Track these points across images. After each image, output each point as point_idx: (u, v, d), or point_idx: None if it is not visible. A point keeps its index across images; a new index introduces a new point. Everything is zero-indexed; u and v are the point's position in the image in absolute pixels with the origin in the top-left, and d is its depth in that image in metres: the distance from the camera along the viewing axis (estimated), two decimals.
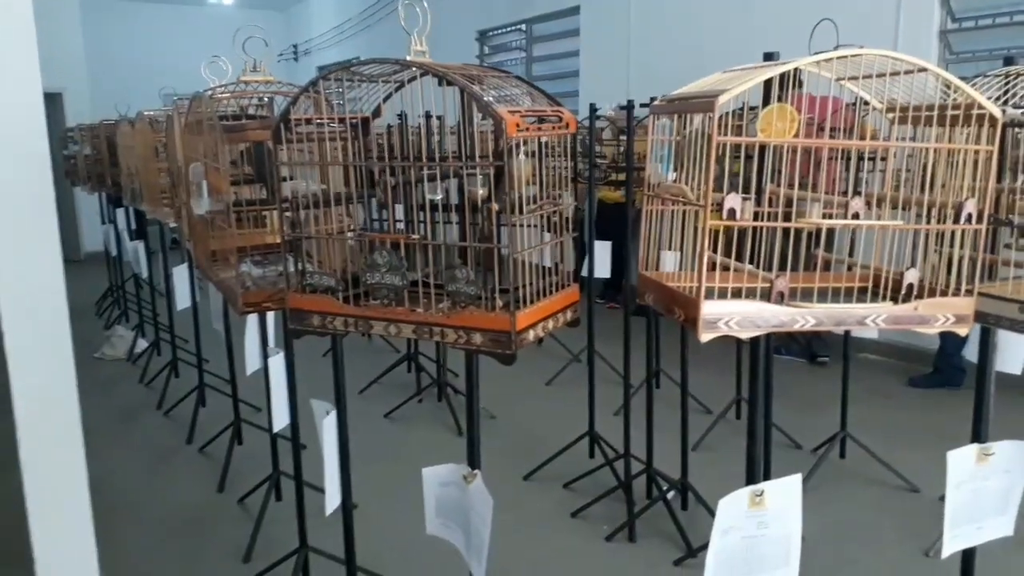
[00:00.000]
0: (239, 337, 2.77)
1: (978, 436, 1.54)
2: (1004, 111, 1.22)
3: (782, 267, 1.15)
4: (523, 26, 7.93)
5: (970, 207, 1.08)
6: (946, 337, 3.66)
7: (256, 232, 1.81)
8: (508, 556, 2.72)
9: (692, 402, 3.79)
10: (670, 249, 1.27)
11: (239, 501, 3.13)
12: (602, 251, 3.73)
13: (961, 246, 1.11)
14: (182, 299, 4.01)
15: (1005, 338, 2.87)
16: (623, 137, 4.16)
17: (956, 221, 1.09)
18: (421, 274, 1.20)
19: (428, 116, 2.61)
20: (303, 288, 1.27)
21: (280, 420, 2.37)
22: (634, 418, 3.02)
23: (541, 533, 2.88)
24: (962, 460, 1.49)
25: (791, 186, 1.27)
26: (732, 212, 1.05)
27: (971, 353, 3.13)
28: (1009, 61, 1.42)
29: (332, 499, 1.78)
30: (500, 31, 8.26)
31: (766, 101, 1.21)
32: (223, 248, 1.78)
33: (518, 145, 1.18)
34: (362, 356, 5.01)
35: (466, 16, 8.26)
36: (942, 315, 1.12)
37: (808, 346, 4.78)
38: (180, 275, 4.00)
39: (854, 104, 1.33)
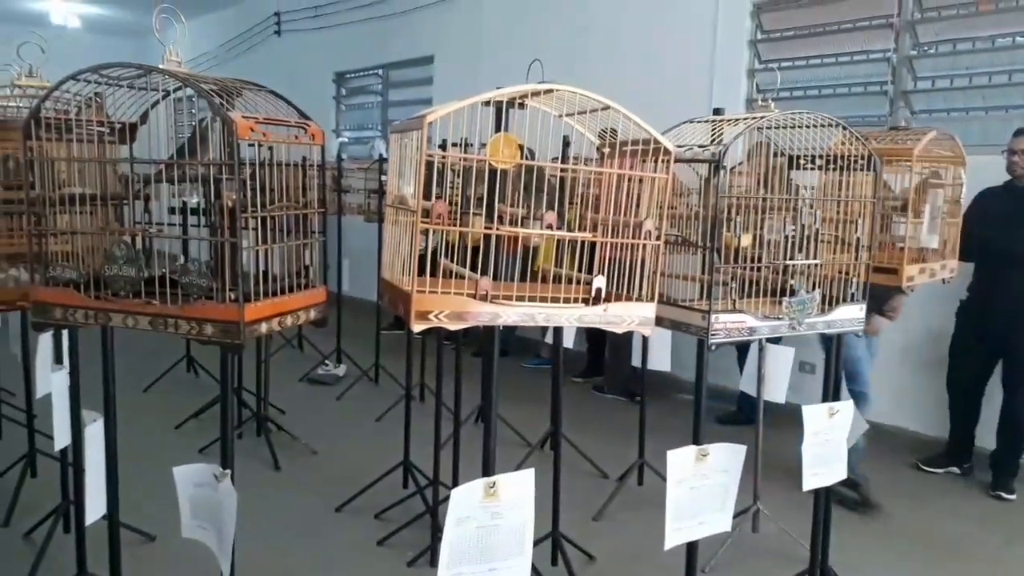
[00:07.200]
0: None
1: (697, 439, 1.74)
2: (676, 147, 1.44)
3: (495, 274, 1.30)
4: (380, 71, 8.08)
5: (648, 225, 1.27)
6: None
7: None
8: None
9: (515, 436, 3.97)
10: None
11: (25, 535, 2.96)
12: None
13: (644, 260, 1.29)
14: None
15: (773, 369, 3.20)
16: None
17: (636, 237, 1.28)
18: (160, 271, 1.25)
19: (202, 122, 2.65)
20: (46, 281, 1.29)
21: (62, 439, 2.29)
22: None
23: (347, 561, 2.90)
24: (682, 459, 1.67)
25: (515, 206, 1.43)
26: (441, 218, 1.18)
27: (748, 388, 3.45)
28: (717, 112, 1.66)
29: (95, 509, 1.75)
30: (358, 74, 8.37)
31: (497, 130, 1.37)
32: None
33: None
34: (186, 391, 4.85)
35: (325, 58, 8.33)
36: (628, 317, 1.30)
37: (626, 386, 5.06)
38: None
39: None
